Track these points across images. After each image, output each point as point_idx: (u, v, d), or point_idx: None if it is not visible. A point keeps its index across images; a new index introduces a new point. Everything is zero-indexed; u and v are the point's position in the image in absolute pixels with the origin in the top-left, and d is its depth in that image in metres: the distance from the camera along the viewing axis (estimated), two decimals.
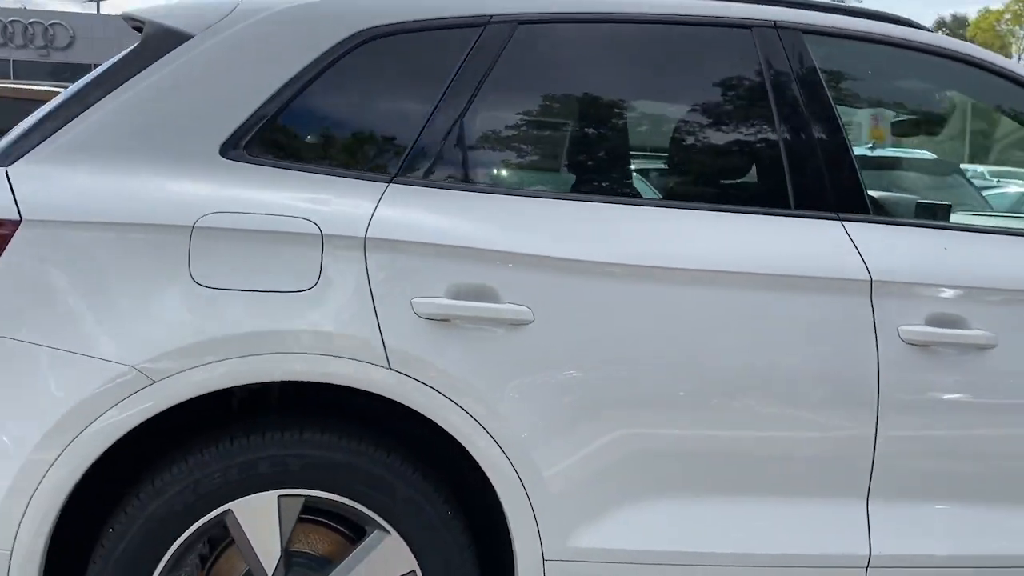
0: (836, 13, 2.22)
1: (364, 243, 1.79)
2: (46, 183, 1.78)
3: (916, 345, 1.96)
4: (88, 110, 1.85)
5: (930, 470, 2.03)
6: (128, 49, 1.98)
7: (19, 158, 1.81)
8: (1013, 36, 48.07)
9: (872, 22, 2.21)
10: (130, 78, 1.88)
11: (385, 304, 1.78)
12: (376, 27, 1.95)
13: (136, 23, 2.12)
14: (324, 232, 1.78)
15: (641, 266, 1.89)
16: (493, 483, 1.83)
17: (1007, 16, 49.47)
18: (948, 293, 2.01)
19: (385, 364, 1.76)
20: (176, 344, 1.71)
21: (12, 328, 1.70)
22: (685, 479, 1.93)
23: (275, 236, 1.78)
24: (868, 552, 1.98)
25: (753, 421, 1.94)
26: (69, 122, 1.84)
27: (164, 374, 1.69)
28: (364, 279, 1.78)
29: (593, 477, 1.87)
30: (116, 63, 1.94)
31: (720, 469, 1.94)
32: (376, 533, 1.84)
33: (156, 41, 1.92)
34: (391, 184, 1.88)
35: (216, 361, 1.71)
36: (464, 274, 1.82)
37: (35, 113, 2.08)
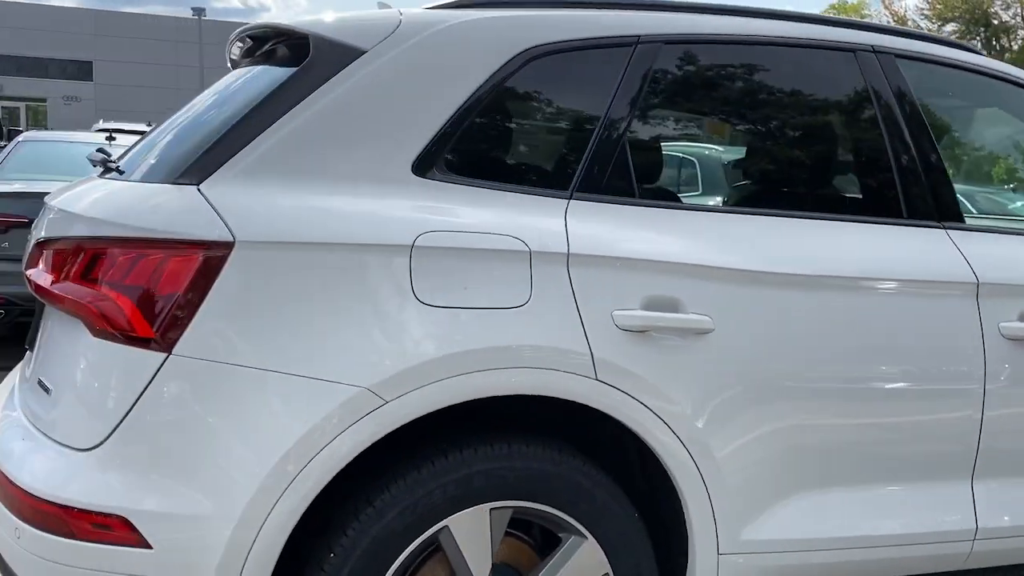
0: (919, 40, 2.45)
1: (567, 259, 1.84)
2: (249, 203, 1.71)
3: (1013, 340, 2.21)
4: (269, 129, 1.79)
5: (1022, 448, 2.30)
6: (294, 65, 1.91)
7: (203, 177, 1.73)
8: None
9: (949, 48, 2.45)
10: (307, 95, 1.83)
11: (590, 317, 1.83)
12: (539, 46, 1.99)
13: (257, 38, 2.08)
14: (532, 249, 1.82)
15: (801, 275, 2.04)
16: (678, 481, 1.92)
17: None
18: None
19: (592, 375, 1.82)
20: (407, 364, 1.69)
21: (234, 353, 1.64)
22: (833, 470, 2.10)
23: (488, 254, 1.80)
24: (975, 525, 2.22)
25: (888, 412, 2.14)
26: (251, 141, 1.77)
27: (396, 394, 1.68)
28: (570, 293, 1.83)
29: (762, 472, 2.00)
30: (289, 79, 1.86)
31: (862, 459, 2.13)
32: (573, 539, 1.89)
33: (327, 56, 1.87)
34: (571, 200, 1.93)
35: (444, 379, 1.71)
36: (655, 286, 1.90)
37: (181, 129, 2.00)
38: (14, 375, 2.23)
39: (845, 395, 2.09)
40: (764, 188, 2.36)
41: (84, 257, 1.74)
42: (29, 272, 1.94)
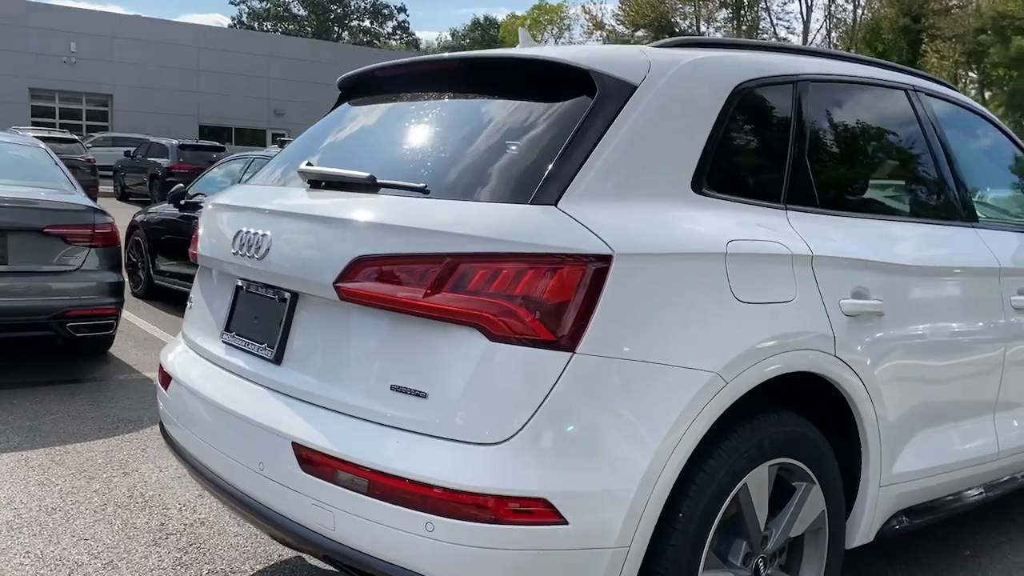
0: (927, 80, 3.18)
1: (811, 260, 2.29)
2: (606, 221, 1.95)
3: (1018, 309, 3.02)
4: (591, 156, 2.03)
5: None
6: (560, 95, 2.17)
7: (555, 199, 1.94)
8: (538, 40, 55.00)
9: (945, 89, 3.22)
10: (608, 126, 2.08)
11: (830, 307, 2.30)
12: (745, 81, 2.40)
13: (490, 67, 2.36)
14: (792, 252, 2.24)
15: (929, 267, 2.68)
16: (863, 429, 2.44)
17: (528, 22, 56.57)
18: None
19: (833, 352, 2.29)
20: (739, 351, 2.05)
21: (621, 349, 1.89)
22: (940, 412, 2.75)
23: (768, 257, 2.19)
24: (997, 449, 3.00)
25: (969, 365, 2.86)
26: (580, 167, 2.00)
27: (733, 376, 2.03)
28: (816, 288, 2.28)
29: (906, 417, 2.59)
30: (591, 112, 2.09)
31: (953, 402, 2.81)
32: (806, 486, 2.35)
33: (612, 91, 2.13)
34: (787, 211, 2.38)
35: (759, 363, 2.09)
36: (857, 280, 2.42)
37: (457, 151, 2.21)
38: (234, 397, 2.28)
39: (949, 354, 2.75)
40: (894, 197, 2.96)
41: (461, 271, 1.88)
42: (351, 285, 2.01)
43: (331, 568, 2.35)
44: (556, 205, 1.94)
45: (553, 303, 1.85)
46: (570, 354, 1.85)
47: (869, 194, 2.84)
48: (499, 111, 2.30)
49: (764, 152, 2.48)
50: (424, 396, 1.90)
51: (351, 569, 2.01)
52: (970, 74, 47.17)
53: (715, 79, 2.34)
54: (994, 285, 2.97)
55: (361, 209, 2.11)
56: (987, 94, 45.28)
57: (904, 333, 2.57)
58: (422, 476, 1.83)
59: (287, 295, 2.27)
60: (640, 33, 47.82)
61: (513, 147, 2.15)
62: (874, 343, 2.44)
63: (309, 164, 2.43)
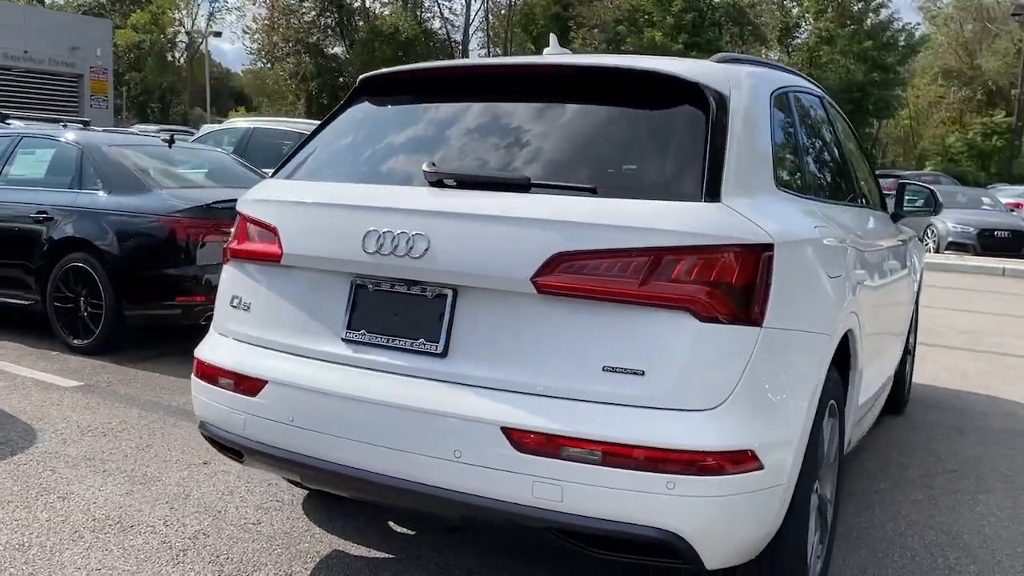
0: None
1: (845, 240, 2.90)
2: (758, 214, 2.36)
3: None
4: (726, 158, 2.39)
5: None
6: (663, 103, 2.53)
7: (714, 197, 2.30)
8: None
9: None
10: (726, 132, 2.46)
11: (850, 278, 2.94)
12: (778, 88, 2.92)
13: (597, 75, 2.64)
14: (838, 235, 2.83)
15: (876, 240, 3.43)
16: (855, 369, 3.11)
17: None
18: None
19: (856, 312, 2.93)
20: (836, 315, 2.61)
21: (787, 321, 2.32)
22: (874, 356, 3.53)
23: (832, 240, 2.75)
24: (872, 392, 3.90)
25: (890, 316, 3.67)
26: (722, 168, 2.36)
27: (833, 336, 2.58)
28: (845, 263, 2.89)
29: (865, 360, 3.30)
30: (715, 119, 2.44)
31: (879, 349, 3.61)
32: (835, 421, 2.96)
33: (717, 101, 2.51)
34: (815, 201, 2.95)
35: (840, 323, 2.66)
36: (856, 256, 3.09)
37: (579, 149, 2.54)
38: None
39: (882, 307, 3.53)
40: (848, 187, 3.65)
41: (666, 262, 2.18)
42: (551, 279, 2.20)
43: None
44: (722, 202, 2.30)
45: (745, 286, 2.23)
46: (759, 329, 2.24)
47: (838, 184, 3.52)
48: (620, 116, 2.58)
49: (793, 150, 3.00)
50: (641, 374, 2.18)
51: (576, 537, 2.22)
52: None
53: (764, 88, 2.82)
54: (895, 252, 3.84)
55: (550, 208, 2.29)
56: None
57: (869, 294, 3.29)
58: (662, 443, 2.12)
59: (447, 291, 2.37)
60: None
61: (655, 150, 2.46)
62: (862, 303, 3.11)
63: (433, 165, 2.50)
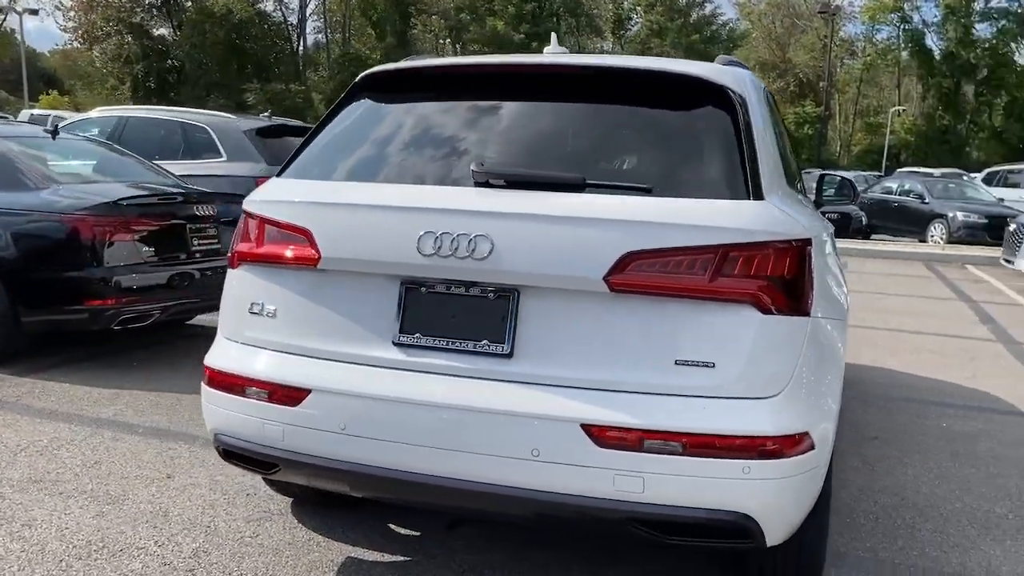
0: None
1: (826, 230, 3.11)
2: (794, 212, 2.51)
3: None
4: (757, 158, 2.54)
5: None
6: (691, 104, 2.65)
7: (758, 195, 2.44)
8: None
9: None
10: (751, 132, 2.61)
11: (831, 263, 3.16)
12: (763, 87, 3.11)
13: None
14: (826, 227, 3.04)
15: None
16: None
17: None
18: None
19: None
20: (846, 299, 2.79)
21: (820, 310, 2.49)
22: None
23: (826, 240, 2.96)
24: None
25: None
26: (757, 167, 2.50)
27: (847, 319, 2.77)
28: (828, 252, 3.11)
29: None
30: (741, 120, 2.58)
31: None
32: None
33: (742, 101, 2.66)
34: (798, 195, 3.16)
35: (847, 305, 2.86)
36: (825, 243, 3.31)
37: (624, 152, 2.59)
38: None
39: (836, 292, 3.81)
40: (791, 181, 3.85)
41: (731, 257, 2.30)
42: (623, 278, 2.27)
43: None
44: (765, 199, 2.44)
45: (795, 279, 2.38)
46: (808, 319, 2.40)
47: (795, 177, 3.74)
48: (655, 117, 2.66)
49: (782, 148, 3.18)
50: (712, 366, 2.29)
51: (653, 526, 2.30)
52: (451, 47, 52.82)
53: (762, 90, 2.99)
54: (832, 240, 4.14)
55: (618, 208, 2.35)
56: None
57: (832, 281, 3.54)
58: (738, 431, 2.24)
59: (510, 291, 2.38)
60: None
61: (695, 150, 2.57)
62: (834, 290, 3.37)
63: (482, 164, 2.49)
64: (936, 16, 51.68)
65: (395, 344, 2.47)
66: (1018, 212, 14.06)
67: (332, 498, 3.40)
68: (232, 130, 7.91)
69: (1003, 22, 50.58)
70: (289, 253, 2.61)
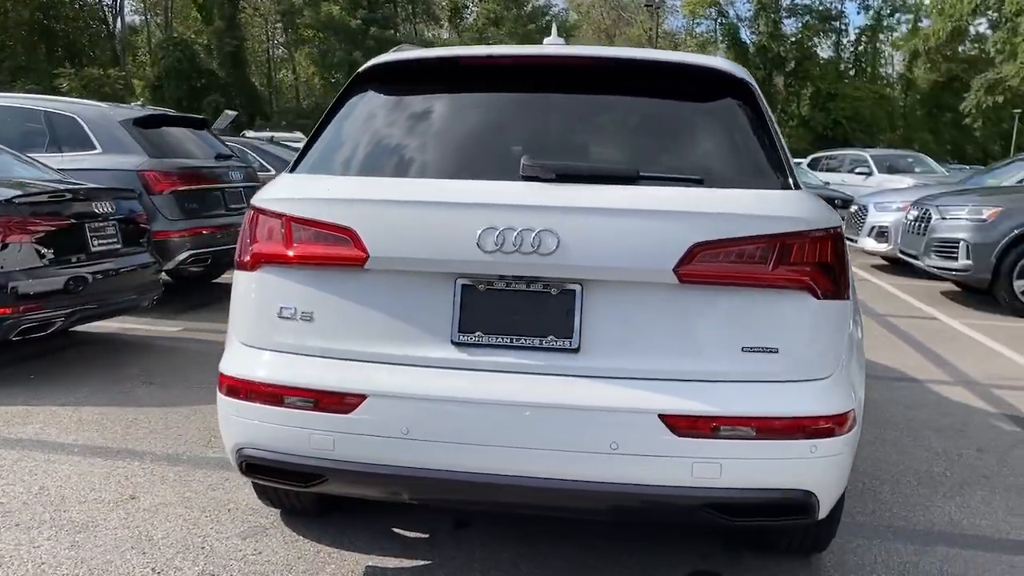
0: None
1: None
2: (823, 203, 2.64)
3: None
4: (781, 147, 2.66)
5: None
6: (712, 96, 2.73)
7: (787, 185, 2.55)
8: None
9: None
10: (770, 123, 2.73)
11: None
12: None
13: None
14: None
15: None
16: None
17: None
18: None
19: None
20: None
21: (848, 293, 2.62)
22: None
23: None
24: None
25: None
26: (780, 157, 2.62)
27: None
28: None
29: None
30: (762, 112, 2.67)
31: None
32: None
33: (755, 95, 2.75)
34: None
35: None
36: None
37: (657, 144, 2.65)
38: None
39: None
40: None
41: (787, 246, 2.39)
42: (691, 268, 2.31)
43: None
44: (800, 189, 2.55)
45: (836, 265, 2.50)
46: (848, 302, 2.53)
47: None
48: (686, 109, 2.70)
49: None
50: (776, 351, 2.37)
51: (725, 509, 2.36)
52: (282, 33, 51.01)
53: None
54: None
55: (684, 200, 2.37)
56: (297, 53, 49.74)
57: None
58: (804, 412, 2.34)
59: (574, 286, 2.37)
60: None
61: (731, 142, 2.63)
62: None
63: (534, 159, 2.45)
64: (749, 11, 55.06)
65: (454, 344, 2.40)
66: (850, 195, 15.27)
67: (327, 506, 3.26)
68: (105, 120, 7.31)
69: (807, 18, 54.63)
70: (329, 253, 2.47)
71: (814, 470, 2.37)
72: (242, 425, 2.53)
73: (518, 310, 2.40)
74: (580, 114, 2.74)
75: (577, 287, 2.38)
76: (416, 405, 2.36)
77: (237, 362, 2.57)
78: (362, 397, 2.38)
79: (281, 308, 2.52)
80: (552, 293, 2.39)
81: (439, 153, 2.65)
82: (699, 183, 2.47)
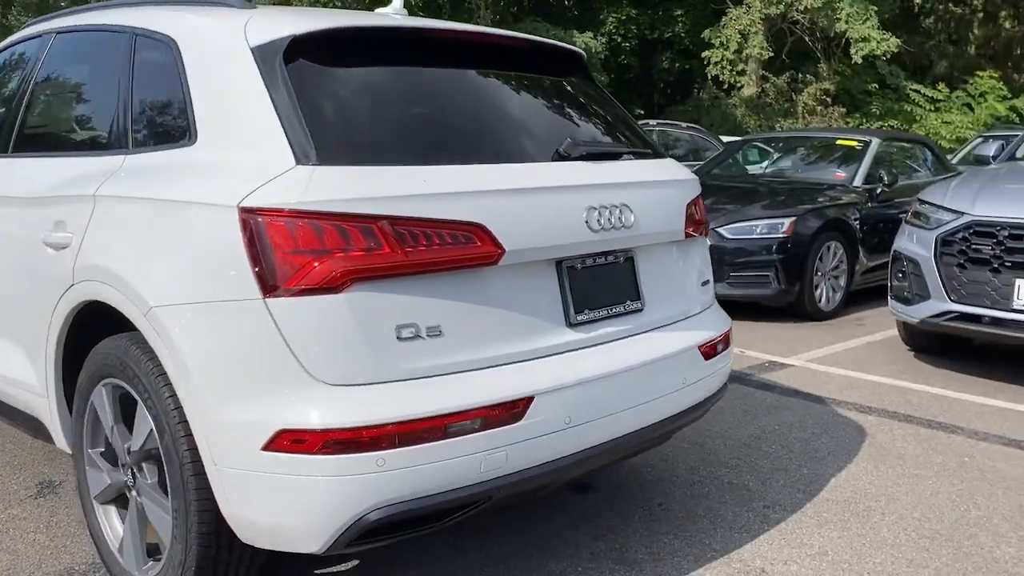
0: None
1: None
2: None
3: None
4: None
5: None
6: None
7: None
8: None
9: None
10: None
11: None
12: None
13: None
14: None
15: None
16: None
17: None
18: None
19: None
20: None
21: None
22: None
23: None
24: None
25: None
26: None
27: None
28: None
29: None
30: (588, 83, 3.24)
31: None
32: None
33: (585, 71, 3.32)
34: None
35: None
36: None
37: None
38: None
39: None
40: None
41: (700, 202, 3.10)
42: (689, 227, 2.86)
43: None
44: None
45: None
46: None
47: None
48: (551, 87, 2.96)
49: None
50: (709, 282, 3.08)
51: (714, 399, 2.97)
52: None
53: None
54: None
55: (678, 170, 2.84)
56: None
57: None
58: (727, 326, 3.08)
59: (631, 253, 2.64)
60: None
61: (622, 121, 3.11)
62: None
63: (578, 143, 2.58)
64: None
65: (572, 325, 2.43)
66: None
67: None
68: None
69: None
70: (457, 255, 2.17)
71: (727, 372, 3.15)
72: (376, 481, 2.05)
73: (603, 282, 2.56)
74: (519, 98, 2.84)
75: (635, 253, 2.66)
76: (571, 393, 2.34)
77: (351, 409, 2.04)
78: (529, 400, 2.24)
79: (399, 329, 2.11)
80: (620, 262, 2.62)
81: (496, 135, 2.50)
82: (649, 156, 2.95)
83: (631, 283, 2.67)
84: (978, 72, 23.41)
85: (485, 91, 2.67)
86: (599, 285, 2.56)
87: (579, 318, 2.47)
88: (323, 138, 2.16)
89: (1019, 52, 26.99)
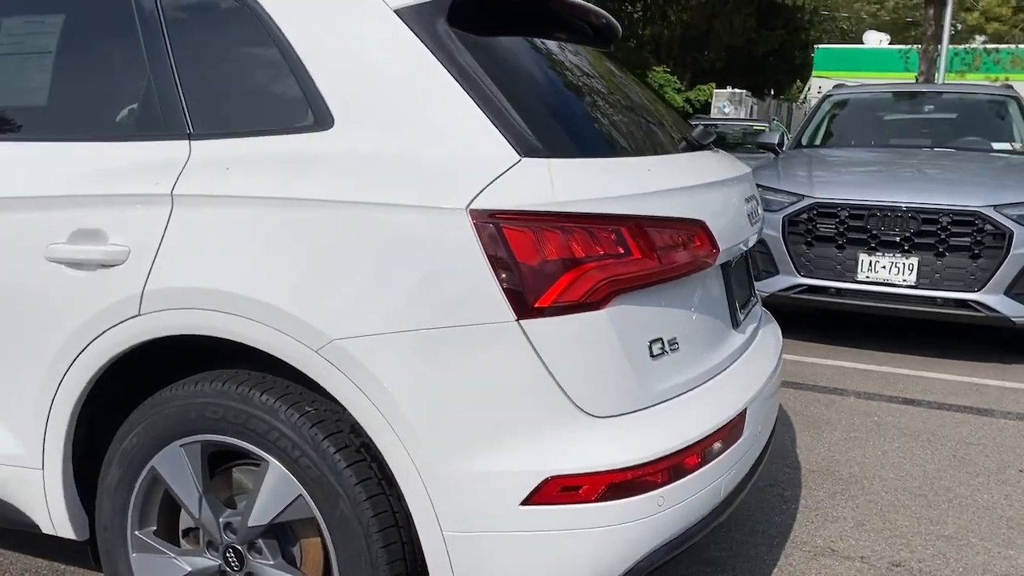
0: None
1: None
2: None
3: None
4: None
5: None
6: None
7: None
8: None
9: None
10: None
11: None
12: None
13: None
14: None
15: None
16: None
17: None
18: None
19: None
20: None
21: None
22: None
23: None
24: None
25: None
26: None
27: None
28: None
29: None
30: None
31: None
32: None
33: None
34: None
35: None
36: None
37: None
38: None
39: None
40: None
41: None
42: None
43: None
44: None
45: None
46: None
47: None
48: None
49: None
50: None
51: None
52: None
53: None
54: None
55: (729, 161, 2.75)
56: None
57: None
58: None
59: (744, 246, 2.53)
60: None
61: None
62: None
63: (704, 132, 2.42)
64: None
65: (736, 326, 2.28)
66: None
67: None
68: None
69: None
70: (688, 258, 1.92)
71: None
72: (655, 524, 1.78)
73: (740, 279, 2.45)
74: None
75: (742, 246, 2.55)
76: (758, 399, 2.20)
77: (624, 442, 1.74)
78: (743, 413, 2.06)
79: (651, 345, 1.84)
80: (743, 256, 2.51)
81: (639, 128, 2.22)
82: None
83: (749, 278, 2.58)
84: None
85: (616, 74, 2.42)
86: (739, 282, 2.44)
87: (740, 317, 2.33)
88: (538, 125, 1.80)
89: None
